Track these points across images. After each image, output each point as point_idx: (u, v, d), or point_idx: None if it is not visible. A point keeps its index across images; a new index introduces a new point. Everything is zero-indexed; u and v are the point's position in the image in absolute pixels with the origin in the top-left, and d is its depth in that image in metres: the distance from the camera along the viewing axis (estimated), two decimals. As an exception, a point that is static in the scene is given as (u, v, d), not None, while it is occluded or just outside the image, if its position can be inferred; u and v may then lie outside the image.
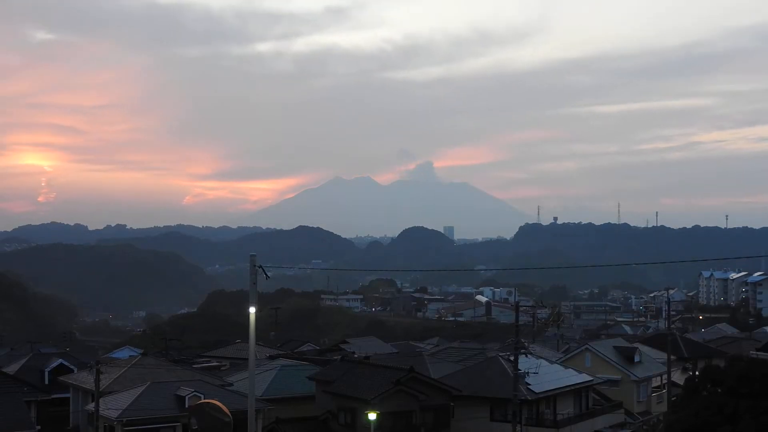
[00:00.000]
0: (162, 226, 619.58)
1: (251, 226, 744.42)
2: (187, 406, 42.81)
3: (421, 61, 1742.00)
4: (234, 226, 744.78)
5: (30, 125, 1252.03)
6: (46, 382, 57.34)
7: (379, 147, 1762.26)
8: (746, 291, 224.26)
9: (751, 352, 67.00)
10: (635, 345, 70.21)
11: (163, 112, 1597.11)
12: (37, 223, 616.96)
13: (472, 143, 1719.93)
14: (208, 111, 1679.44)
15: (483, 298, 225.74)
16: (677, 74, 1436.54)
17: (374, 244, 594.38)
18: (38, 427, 46.40)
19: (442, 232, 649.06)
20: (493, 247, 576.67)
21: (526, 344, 58.73)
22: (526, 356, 49.15)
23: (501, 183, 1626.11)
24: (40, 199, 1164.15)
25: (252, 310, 26.06)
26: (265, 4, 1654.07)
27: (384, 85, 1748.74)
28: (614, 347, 66.19)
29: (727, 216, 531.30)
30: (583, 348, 65.97)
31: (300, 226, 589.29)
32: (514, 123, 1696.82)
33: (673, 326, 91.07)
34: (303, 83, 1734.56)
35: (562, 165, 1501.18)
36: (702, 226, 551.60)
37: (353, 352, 69.68)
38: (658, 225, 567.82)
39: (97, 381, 44.81)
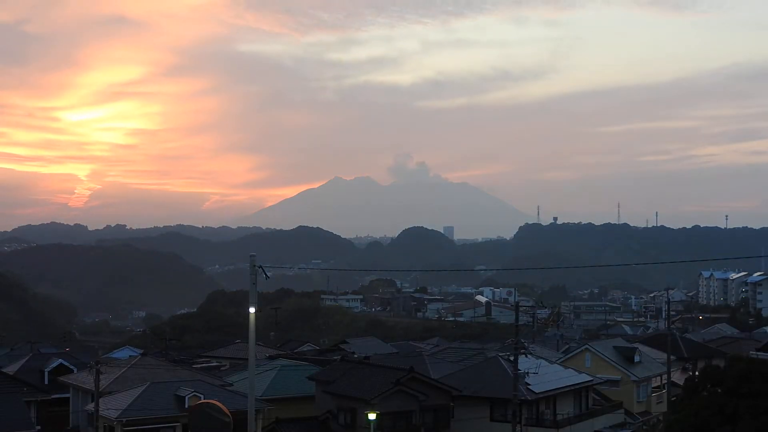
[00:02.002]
0: (162, 226, 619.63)
1: (251, 226, 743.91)
2: (187, 407, 42.82)
3: (447, 93, 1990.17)
4: (234, 227, 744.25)
5: (88, 144, 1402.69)
6: (46, 382, 57.25)
7: (388, 153, 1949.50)
8: (746, 291, 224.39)
9: (751, 352, 66.94)
10: (635, 345, 70.15)
11: (213, 134, 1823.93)
12: (37, 223, 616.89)
13: (480, 154, 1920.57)
14: (252, 132, 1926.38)
15: (483, 299, 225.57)
16: (671, 103, 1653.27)
17: (374, 244, 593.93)
18: (38, 428, 46.41)
19: (442, 232, 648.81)
20: (493, 247, 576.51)
21: (526, 344, 58.66)
22: (526, 356, 49.10)
23: (501, 184, 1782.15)
24: (70, 204, 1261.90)
25: (252, 310, 26.07)
26: (322, 55, 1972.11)
27: (408, 109, 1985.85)
28: (614, 347, 66.17)
29: (726, 216, 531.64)
30: (583, 348, 65.97)
31: (300, 226, 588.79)
32: (521, 140, 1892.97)
33: (673, 326, 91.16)
34: (341, 109, 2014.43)
35: (565, 174, 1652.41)
36: (702, 226, 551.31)
37: (353, 352, 69.67)
38: (658, 225, 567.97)
39: (97, 381, 44.80)
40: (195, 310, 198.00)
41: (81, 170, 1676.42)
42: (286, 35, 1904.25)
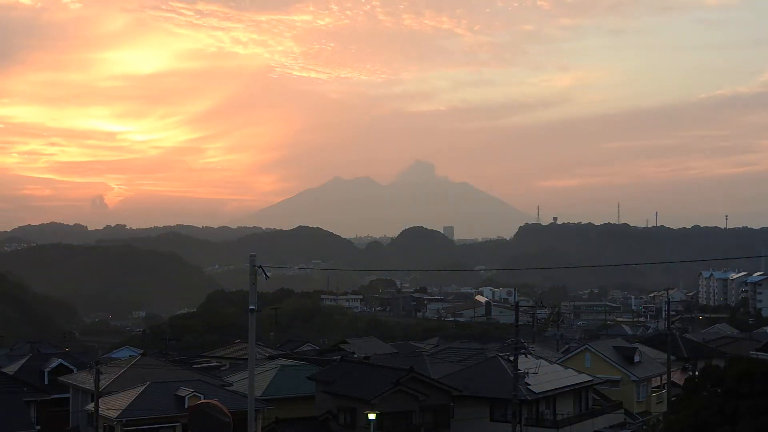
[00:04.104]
0: (162, 226, 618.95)
1: (251, 226, 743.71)
2: (187, 407, 42.80)
3: (465, 117, 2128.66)
4: (234, 227, 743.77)
5: (137, 158, 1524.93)
6: (46, 382, 57.29)
7: (389, 155, 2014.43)
8: (746, 291, 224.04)
9: (751, 352, 67.06)
10: (635, 345, 70.18)
11: (249, 151, 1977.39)
12: (37, 223, 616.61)
13: (482, 157, 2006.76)
14: (285, 149, 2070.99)
15: (483, 298, 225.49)
16: (666, 125, 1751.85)
17: (374, 244, 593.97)
18: (38, 428, 46.45)
19: (442, 232, 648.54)
20: (493, 247, 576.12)
21: (525, 344, 58.70)
22: (526, 356, 49.09)
23: (502, 184, 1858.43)
24: (93, 207, 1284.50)
25: (252, 309, 26.01)
26: (363, 91, 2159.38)
27: (422, 124, 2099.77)
28: (614, 347, 66.18)
29: (726, 216, 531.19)
30: (582, 348, 65.96)
31: (300, 226, 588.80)
32: (525, 150, 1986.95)
33: (672, 326, 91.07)
34: (370, 132, 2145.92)
35: (566, 181, 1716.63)
36: (702, 226, 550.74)
37: (353, 352, 69.72)
38: (658, 225, 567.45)
39: (97, 381, 44.79)
40: (195, 310, 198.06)
41: (116, 180, 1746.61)
42: (330, 79, 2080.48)
